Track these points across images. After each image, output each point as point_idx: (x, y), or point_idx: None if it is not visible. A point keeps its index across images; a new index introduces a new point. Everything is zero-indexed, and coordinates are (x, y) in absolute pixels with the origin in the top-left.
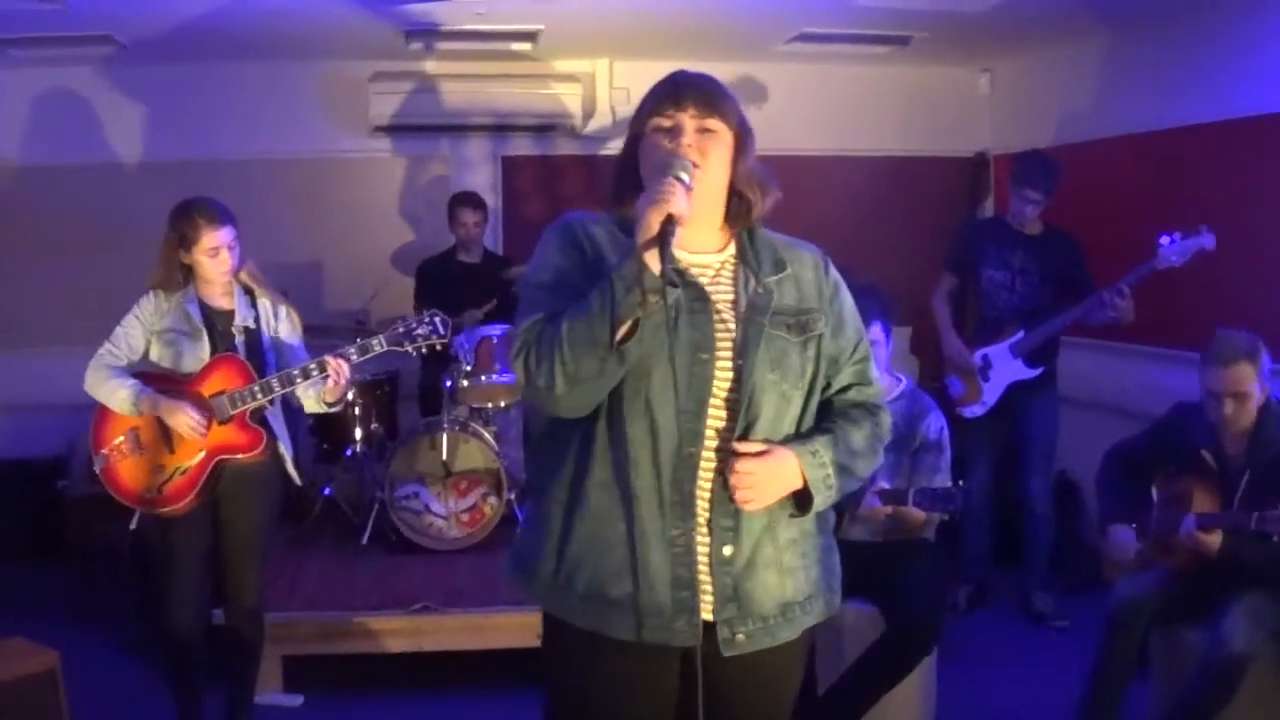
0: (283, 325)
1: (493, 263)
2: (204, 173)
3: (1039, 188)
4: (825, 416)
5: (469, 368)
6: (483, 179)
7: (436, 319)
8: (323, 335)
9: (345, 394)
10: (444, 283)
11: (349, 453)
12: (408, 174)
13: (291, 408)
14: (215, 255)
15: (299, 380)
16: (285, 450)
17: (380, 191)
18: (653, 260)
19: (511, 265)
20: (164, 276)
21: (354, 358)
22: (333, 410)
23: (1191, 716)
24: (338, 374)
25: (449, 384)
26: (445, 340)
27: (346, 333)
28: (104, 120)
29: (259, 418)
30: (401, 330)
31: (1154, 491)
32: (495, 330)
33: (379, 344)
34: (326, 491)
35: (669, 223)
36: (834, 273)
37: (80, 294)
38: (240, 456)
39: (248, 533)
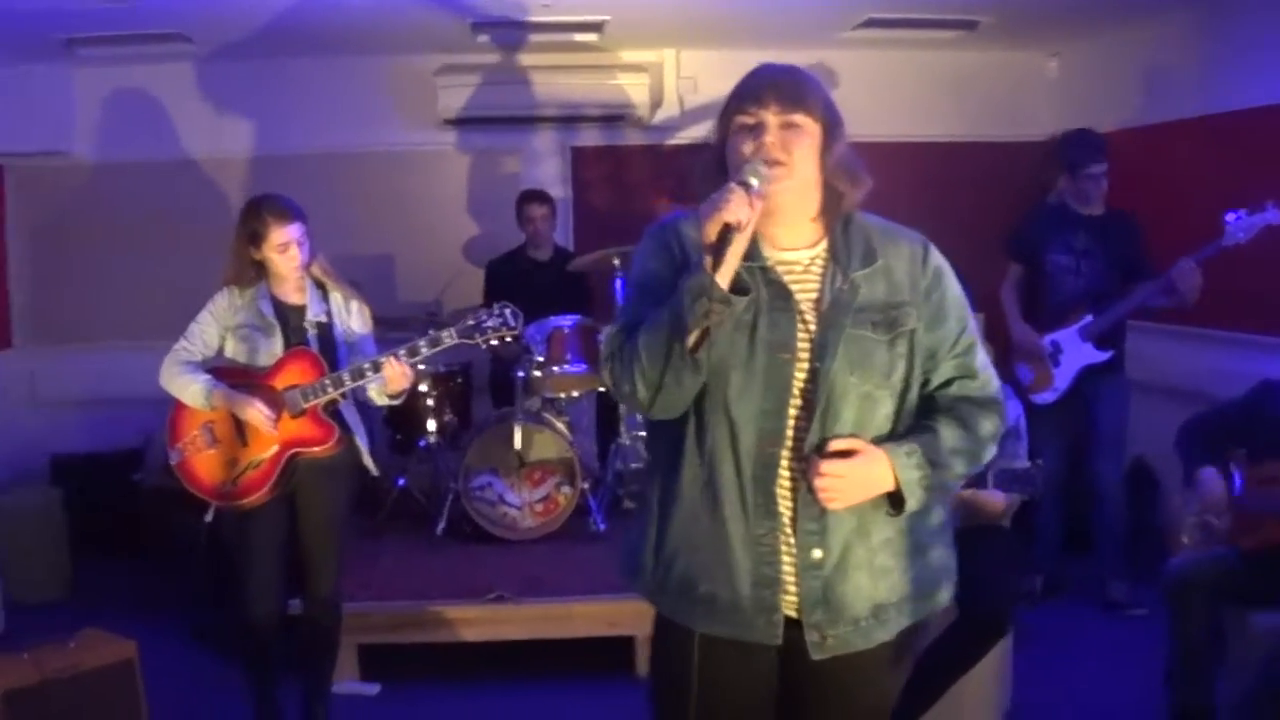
0: (354, 319)
1: (563, 259)
2: (275, 168)
3: (1100, 158)
4: (928, 412)
5: (541, 358)
6: (551, 171)
7: (506, 310)
8: (396, 328)
9: (406, 389)
10: (514, 281)
11: (423, 444)
12: (477, 167)
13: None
14: (284, 251)
15: (369, 374)
16: (361, 442)
17: (450, 185)
18: (716, 270)
19: (577, 259)
20: (236, 273)
21: (424, 350)
22: (395, 403)
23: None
24: (395, 377)
25: (521, 375)
26: (515, 332)
27: (419, 325)
28: (175, 117)
29: (332, 411)
30: (471, 323)
31: (1232, 469)
32: (567, 321)
33: (449, 337)
34: (401, 482)
35: (727, 231)
36: (935, 261)
37: (153, 289)
38: (313, 450)
39: (323, 523)
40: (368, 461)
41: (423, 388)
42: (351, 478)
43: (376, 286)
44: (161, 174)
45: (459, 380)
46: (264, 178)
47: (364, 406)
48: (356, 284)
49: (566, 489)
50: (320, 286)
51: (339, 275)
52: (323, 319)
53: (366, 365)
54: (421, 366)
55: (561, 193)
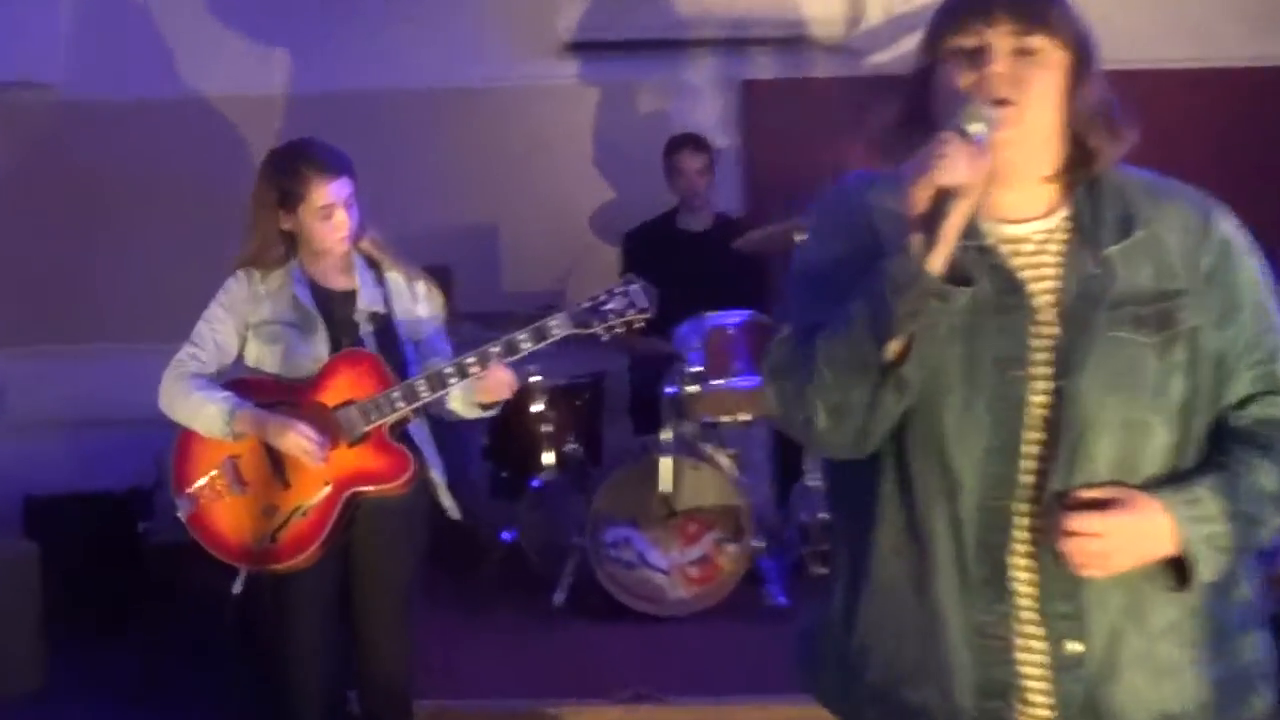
0: (421, 305)
1: (726, 231)
2: (323, 111)
3: None
4: (1221, 445)
5: (697, 369)
6: (711, 113)
7: (633, 288)
8: (500, 325)
9: (502, 400)
10: (660, 260)
11: (537, 484)
12: (609, 107)
13: (441, 418)
14: (328, 217)
15: (452, 381)
16: (436, 475)
17: (573, 132)
18: (929, 252)
19: (748, 229)
20: (258, 249)
21: (525, 346)
22: (489, 413)
23: None
24: (492, 386)
25: (671, 391)
26: (647, 317)
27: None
28: (190, 41)
29: (399, 433)
30: (587, 306)
31: None
32: (732, 318)
33: (558, 326)
34: (507, 536)
35: (942, 198)
36: (1222, 229)
37: (167, 273)
38: (381, 488)
39: (391, 588)
40: (445, 500)
41: (537, 407)
42: (425, 525)
43: (473, 270)
44: (172, 116)
45: (586, 397)
46: (308, 122)
47: (447, 428)
48: (445, 270)
49: (731, 548)
50: (373, 265)
51: (396, 251)
52: (379, 308)
53: (448, 368)
54: (535, 378)
55: (725, 141)
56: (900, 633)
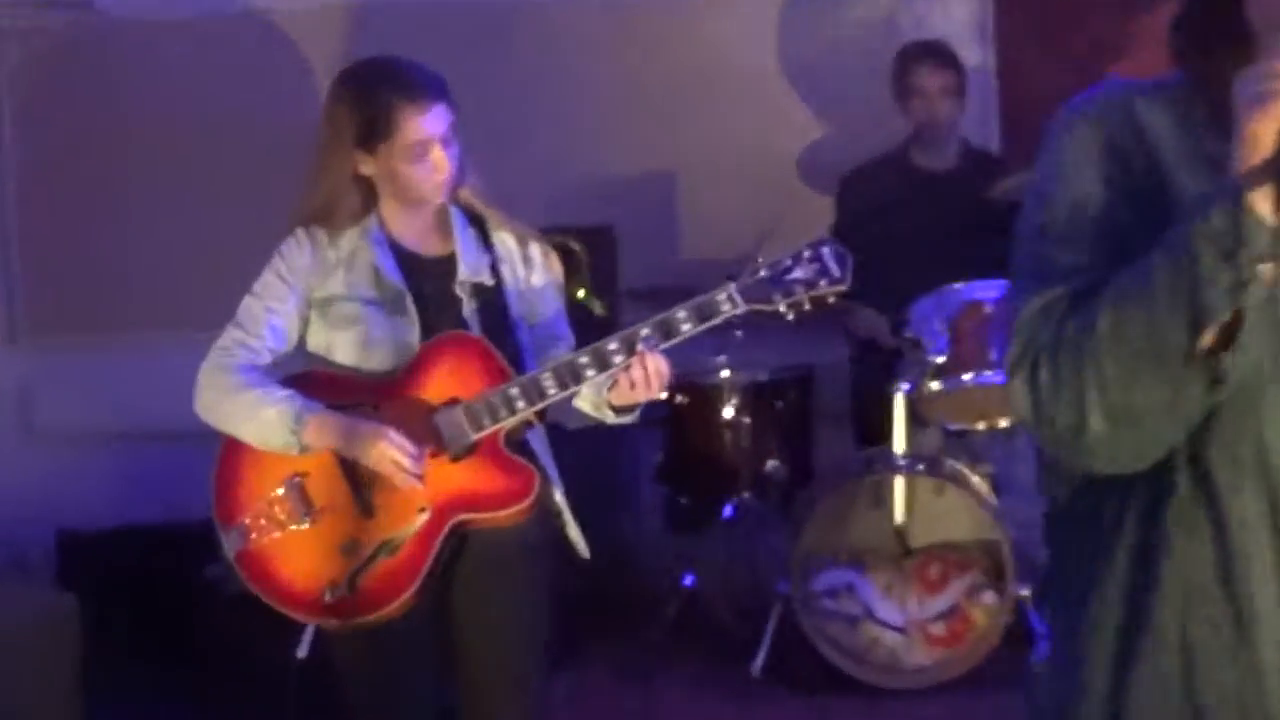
0: (537, 274)
1: (976, 169)
2: (421, 22)
3: None
4: None
5: (939, 359)
6: (957, 17)
7: (825, 249)
8: (672, 301)
9: (652, 395)
10: (888, 209)
11: (727, 514)
12: (814, 14)
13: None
14: (422, 157)
15: (589, 375)
16: (560, 499)
17: (769, 50)
18: (1268, 205)
19: (1008, 174)
20: (326, 202)
21: (684, 328)
22: (624, 421)
23: None
24: (642, 379)
25: (906, 387)
26: (841, 289)
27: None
28: None
29: (517, 443)
30: (764, 275)
31: None
32: (989, 290)
33: (727, 302)
34: (688, 581)
35: None
36: None
37: (229, 244)
38: (496, 515)
39: (510, 649)
40: (572, 532)
41: (726, 412)
42: (551, 565)
43: (642, 236)
44: (225, 36)
45: (792, 398)
46: (395, 37)
47: (604, 439)
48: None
49: (988, 597)
50: (475, 222)
51: (501, 206)
52: (485, 278)
53: (582, 357)
54: (723, 372)
55: (977, 55)
56: (1208, 708)
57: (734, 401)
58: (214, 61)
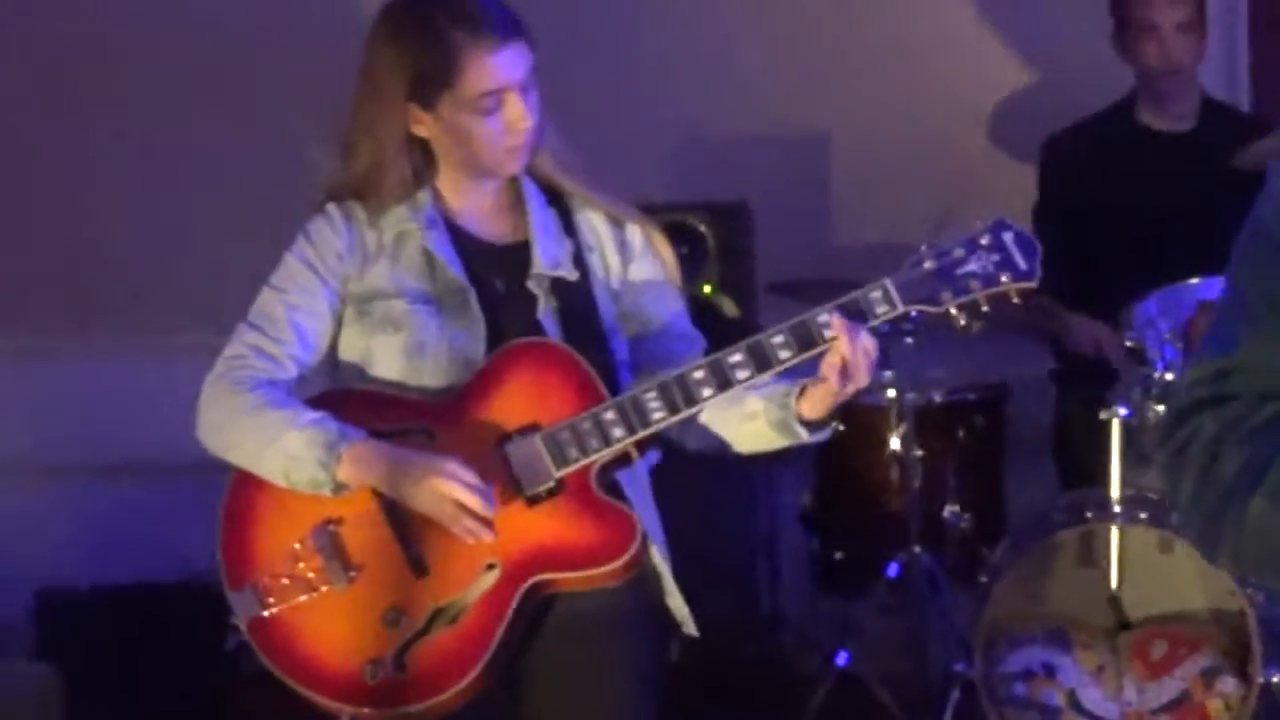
0: (639, 265)
1: (1223, 129)
2: None
3: None
4: None
5: (1169, 375)
6: None
7: (1007, 235)
8: (827, 300)
9: (848, 394)
10: (1107, 179)
11: (893, 572)
12: None
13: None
14: (494, 111)
15: (706, 394)
16: (661, 560)
17: None
18: None
19: (1262, 132)
20: (367, 172)
21: (827, 334)
22: (813, 441)
23: None
24: (856, 355)
25: (1126, 412)
26: (1030, 284)
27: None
28: None
29: (608, 484)
30: (930, 266)
31: None
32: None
33: (883, 301)
34: (842, 659)
35: None
36: None
37: (226, 223)
38: (585, 574)
39: None
40: (673, 600)
41: (893, 443)
42: (654, 640)
43: (785, 213)
44: None
45: (978, 425)
46: None
47: (709, 473)
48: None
49: (1229, 683)
50: (555, 200)
51: (591, 179)
52: (567, 271)
53: (697, 372)
54: (889, 392)
55: None
56: None
57: (902, 429)
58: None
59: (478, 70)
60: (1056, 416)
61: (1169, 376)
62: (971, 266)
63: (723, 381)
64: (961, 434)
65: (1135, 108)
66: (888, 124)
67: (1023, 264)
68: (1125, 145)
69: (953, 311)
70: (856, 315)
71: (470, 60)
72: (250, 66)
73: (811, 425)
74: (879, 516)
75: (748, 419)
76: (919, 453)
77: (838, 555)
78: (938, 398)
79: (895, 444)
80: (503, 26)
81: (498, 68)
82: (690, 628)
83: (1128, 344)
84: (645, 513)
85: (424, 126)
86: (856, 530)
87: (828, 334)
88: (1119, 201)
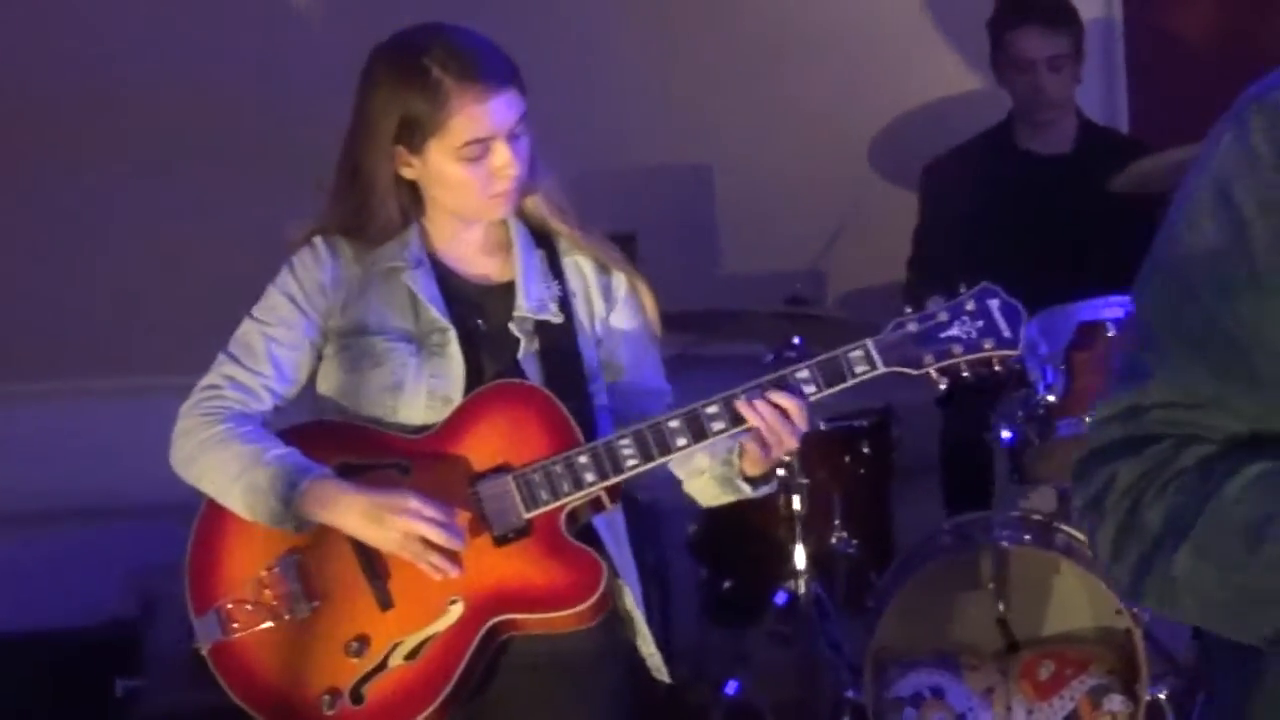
0: (621, 312)
1: (1098, 153)
2: None
3: None
4: None
5: (1051, 398)
6: None
7: (993, 303)
8: (715, 329)
9: (786, 453)
10: (985, 203)
11: (781, 600)
12: None
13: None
14: (483, 157)
15: (680, 444)
16: (633, 603)
17: (832, 10)
18: None
19: (1139, 154)
20: (355, 211)
21: (808, 390)
22: (764, 494)
23: None
24: (777, 429)
25: (1009, 437)
26: (1012, 351)
27: (765, 329)
28: None
29: (579, 529)
30: (913, 329)
31: None
32: (1112, 309)
33: (864, 361)
34: (732, 689)
35: None
36: None
37: (192, 258)
38: (548, 617)
39: None
40: (647, 647)
41: (780, 471)
42: (625, 690)
43: (670, 242)
44: None
45: (864, 450)
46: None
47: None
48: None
49: (1117, 702)
50: (542, 241)
51: (584, 220)
52: (551, 315)
53: (673, 421)
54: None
55: (1098, 9)
56: None
57: (788, 456)
58: (181, 28)
59: (464, 118)
60: (942, 441)
61: (1050, 399)
62: (954, 331)
63: (698, 432)
64: (847, 460)
65: (1013, 131)
66: (769, 153)
67: (1006, 331)
68: (1003, 168)
69: (932, 374)
70: (836, 374)
71: (458, 108)
72: (225, 111)
73: (755, 481)
74: (767, 544)
75: (696, 474)
76: (805, 480)
77: (726, 584)
78: (822, 425)
79: (782, 471)
80: (494, 74)
81: (486, 116)
82: (663, 675)
83: (1010, 367)
84: (621, 559)
85: (411, 169)
86: (745, 559)
87: (807, 390)
88: (998, 224)
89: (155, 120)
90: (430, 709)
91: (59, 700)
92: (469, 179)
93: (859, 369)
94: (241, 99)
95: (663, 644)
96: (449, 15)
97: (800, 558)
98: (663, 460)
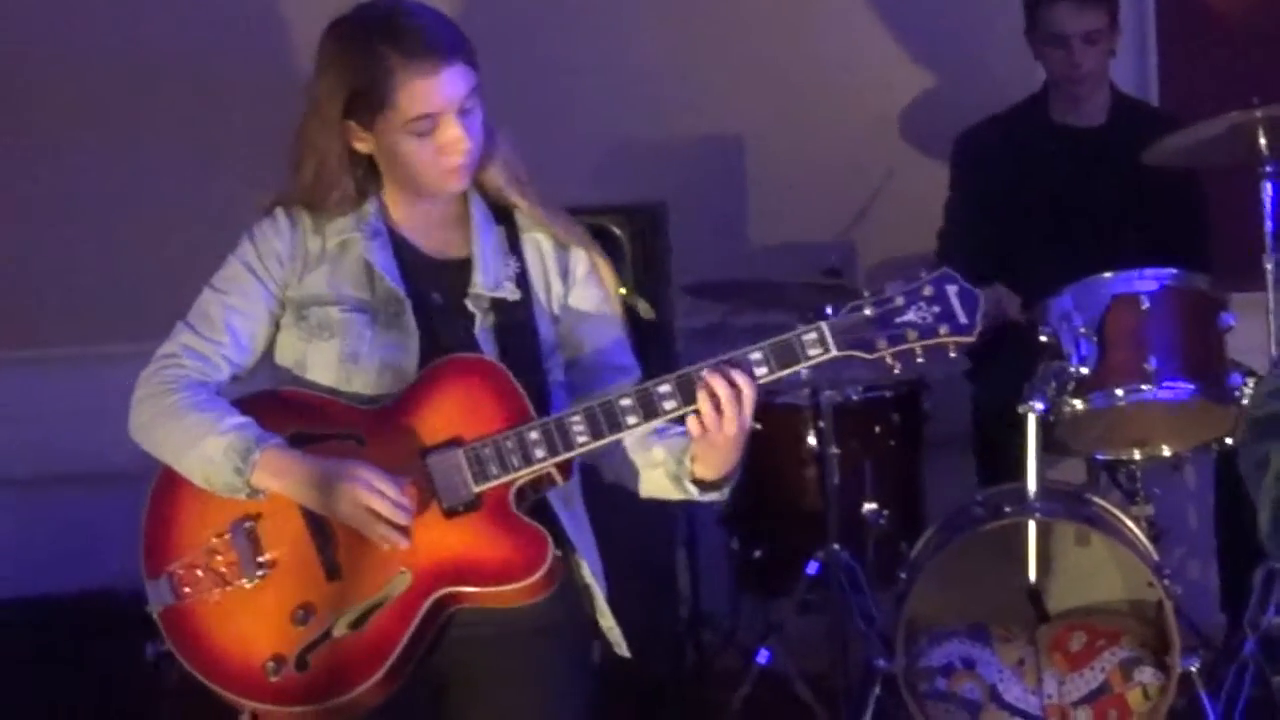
0: (580, 290)
1: (1133, 126)
2: None
3: None
4: None
5: (1084, 370)
6: None
7: (951, 288)
8: (743, 303)
9: (737, 462)
10: (1017, 176)
11: (813, 570)
12: None
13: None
14: (432, 132)
15: (631, 422)
16: (591, 577)
17: None
18: None
19: (1172, 127)
20: (312, 185)
21: (759, 373)
22: (712, 500)
23: None
24: (717, 415)
25: (1042, 407)
26: (968, 338)
27: (796, 301)
28: None
29: (531, 505)
30: (869, 313)
31: None
32: (1145, 282)
33: (818, 345)
34: (763, 658)
35: None
36: None
37: (162, 229)
38: (493, 590)
39: None
40: (605, 620)
41: (810, 440)
42: (581, 667)
43: (700, 215)
44: None
45: (893, 422)
46: None
47: (613, 499)
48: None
49: (1148, 674)
50: (502, 217)
51: (543, 196)
52: (507, 292)
53: (624, 399)
54: (806, 390)
55: None
56: None
57: (819, 427)
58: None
59: (411, 93)
60: (974, 412)
61: (1084, 370)
62: (910, 316)
63: (650, 410)
64: (879, 431)
65: (1047, 103)
66: (799, 123)
67: (963, 318)
68: (1037, 140)
69: (887, 359)
70: (789, 356)
71: (404, 83)
72: (191, 82)
73: (703, 485)
74: (798, 515)
75: (652, 466)
76: (837, 450)
77: (757, 554)
78: (855, 395)
79: (811, 442)
80: (441, 49)
81: (432, 91)
82: (622, 649)
83: (1043, 339)
84: (577, 533)
85: (364, 143)
86: (776, 529)
87: (758, 373)
88: (1031, 196)
89: (123, 90)
90: (375, 678)
91: (90, 663)
92: (419, 154)
93: (812, 351)
94: (215, 72)
95: (695, 613)
96: None
97: (832, 528)
98: (614, 437)
